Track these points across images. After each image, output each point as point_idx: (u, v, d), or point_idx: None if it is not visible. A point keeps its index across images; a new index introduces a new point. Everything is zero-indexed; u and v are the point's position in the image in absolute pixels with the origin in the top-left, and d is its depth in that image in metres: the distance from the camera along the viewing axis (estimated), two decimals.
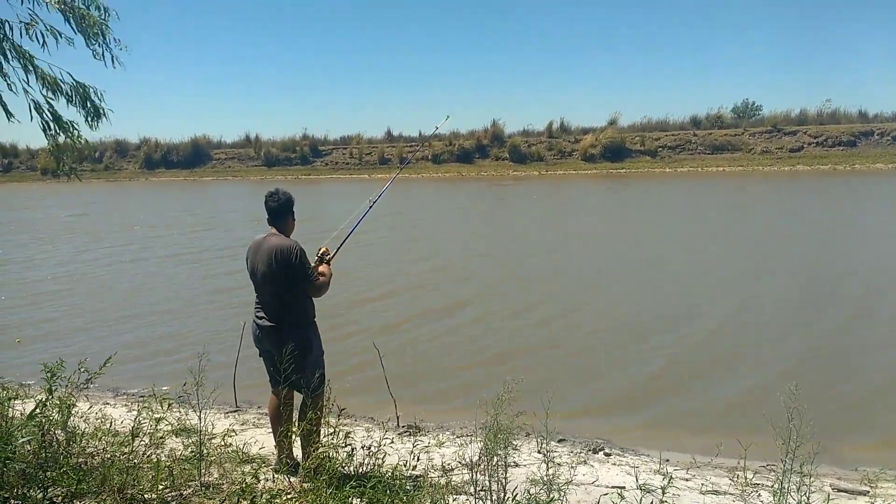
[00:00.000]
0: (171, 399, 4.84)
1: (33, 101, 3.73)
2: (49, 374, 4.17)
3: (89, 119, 3.87)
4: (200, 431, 4.00)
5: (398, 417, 5.50)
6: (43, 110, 3.68)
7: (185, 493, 3.74)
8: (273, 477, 3.97)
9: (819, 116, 40.93)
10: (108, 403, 6.33)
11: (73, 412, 4.74)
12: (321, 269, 4.35)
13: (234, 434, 4.92)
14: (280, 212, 4.32)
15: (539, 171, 41.66)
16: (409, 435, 5.20)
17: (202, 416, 4.25)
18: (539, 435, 5.19)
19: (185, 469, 3.90)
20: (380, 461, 4.02)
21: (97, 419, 5.24)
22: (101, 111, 3.82)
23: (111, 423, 4.94)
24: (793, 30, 73.63)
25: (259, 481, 3.81)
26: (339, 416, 4.17)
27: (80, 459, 4.09)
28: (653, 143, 41.93)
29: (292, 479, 3.82)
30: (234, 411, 6.07)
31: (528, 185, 34.93)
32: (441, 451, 4.76)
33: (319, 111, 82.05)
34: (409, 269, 13.30)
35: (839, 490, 4.50)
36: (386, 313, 9.83)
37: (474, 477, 3.78)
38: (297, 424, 4.20)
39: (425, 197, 30.98)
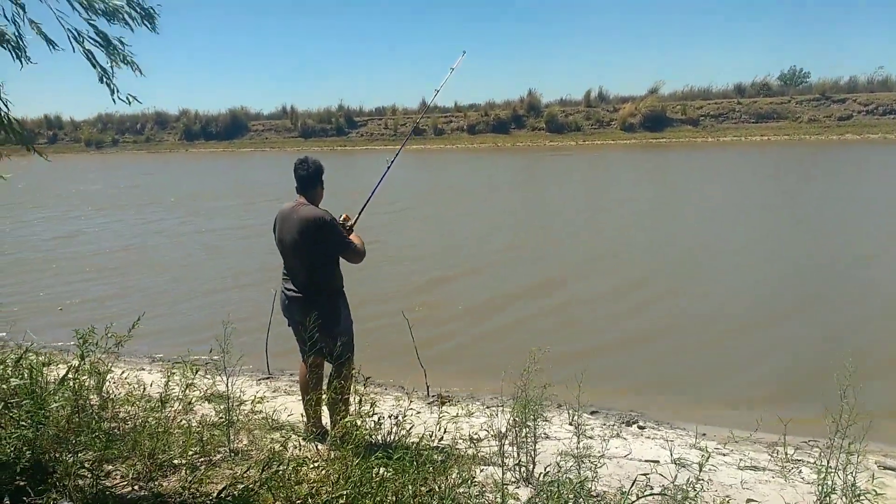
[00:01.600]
0: (200, 365, 4.89)
1: (71, 30, 3.40)
2: (81, 340, 4.23)
3: (140, 22, 3.46)
4: (229, 398, 4.00)
5: (427, 387, 5.45)
6: (84, 37, 3.39)
7: (214, 458, 3.76)
8: (301, 445, 3.96)
9: (869, 84, 39.17)
10: (143, 369, 6.42)
11: (107, 378, 4.83)
12: (352, 237, 4.29)
13: (264, 401, 4.95)
14: (310, 180, 4.25)
15: (576, 140, 40.95)
16: (439, 405, 5.16)
17: (232, 383, 4.28)
18: (571, 407, 5.10)
19: (214, 435, 3.91)
20: (407, 431, 3.98)
21: (131, 385, 5.32)
22: (152, 12, 3.48)
23: (144, 388, 5.00)
24: None
25: (287, 449, 3.80)
26: (365, 385, 4.12)
27: (113, 424, 4.15)
28: (695, 112, 40.78)
29: (319, 447, 3.80)
30: (267, 378, 6.10)
31: (582, 155, 34.38)
32: (470, 422, 4.70)
33: (355, 82, 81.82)
34: (481, 245, 12.72)
35: (885, 468, 4.32)
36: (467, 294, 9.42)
37: (502, 448, 3.71)
38: (325, 393, 4.19)
39: (473, 167, 30.70)
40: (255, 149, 49.38)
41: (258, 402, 4.79)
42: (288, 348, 6.28)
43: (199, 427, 3.97)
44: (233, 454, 3.82)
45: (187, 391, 4.38)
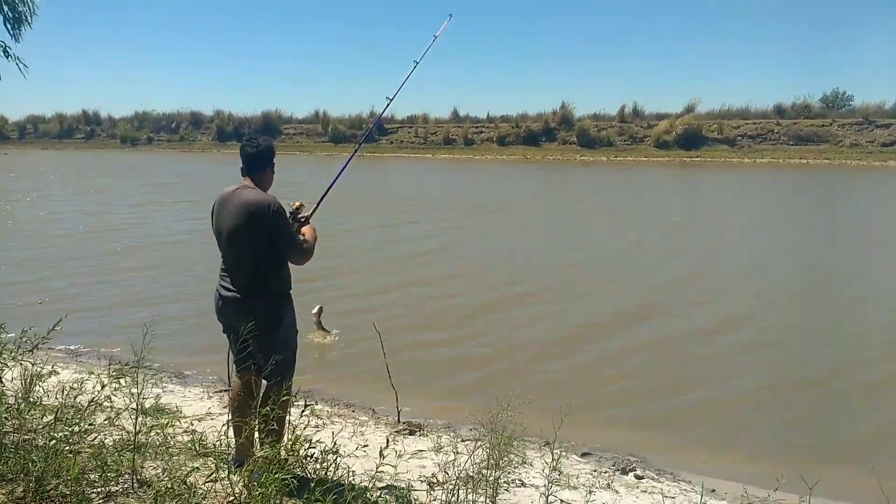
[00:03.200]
0: (141, 371, 4.31)
1: None
2: None
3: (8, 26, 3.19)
4: (137, 414, 3.39)
5: (398, 412, 4.80)
6: None
7: (112, 489, 3.16)
8: (221, 477, 3.31)
9: None
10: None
11: (43, 380, 4.31)
12: (304, 230, 3.66)
13: (205, 419, 4.35)
14: (258, 160, 3.58)
15: (608, 156, 40.04)
16: (409, 434, 4.50)
17: (181, 393, 3.70)
18: (560, 446, 4.41)
19: (126, 459, 3.30)
20: (347, 468, 3.35)
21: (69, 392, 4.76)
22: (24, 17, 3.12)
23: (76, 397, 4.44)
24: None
25: (201, 481, 3.18)
26: (308, 406, 3.49)
27: (22, 437, 3.57)
28: (731, 132, 39.59)
29: (233, 479, 3.16)
30: (224, 391, 5.51)
31: (626, 171, 33.54)
32: (437, 458, 4.03)
33: (387, 90, 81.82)
34: (559, 261, 11.99)
35: None
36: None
37: (456, 497, 3.05)
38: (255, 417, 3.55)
39: (511, 181, 30.07)
40: (286, 152, 49.36)
41: (195, 420, 4.19)
42: None
43: (106, 448, 3.37)
44: (138, 484, 3.22)
45: (110, 401, 3.79)
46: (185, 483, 3.11)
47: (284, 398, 3.54)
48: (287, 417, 3.62)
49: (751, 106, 41.63)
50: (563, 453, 4.34)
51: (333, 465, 3.17)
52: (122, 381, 3.68)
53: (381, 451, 3.03)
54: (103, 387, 3.67)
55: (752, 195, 22.90)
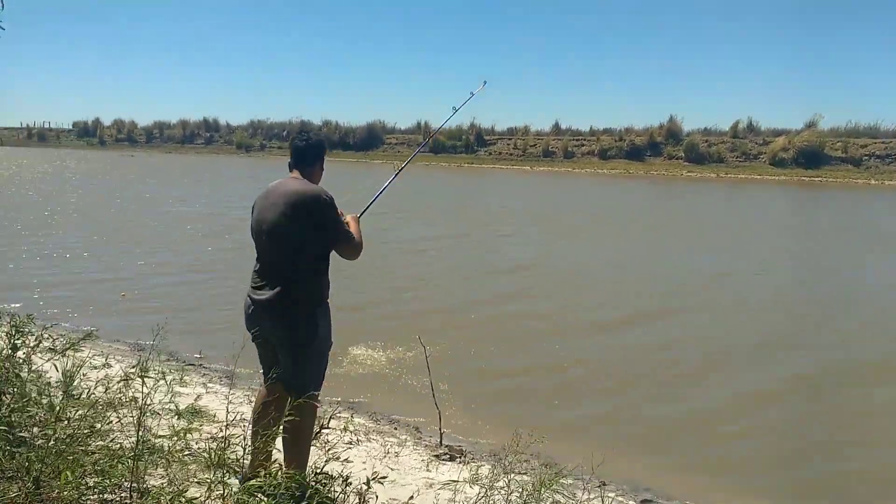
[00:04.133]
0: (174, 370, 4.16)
1: None
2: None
3: None
4: (141, 414, 3.17)
5: (441, 435, 4.40)
6: None
7: (108, 498, 2.95)
8: (232, 492, 3.03)
9: None
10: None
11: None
12: (350, 224, 3.35)
13: (233, 425, 4.11)
14: (308, 154, 3.35)
15: (717, 172, 37.98)
16: (449, 459, 4.10)
17: (227, 396, 3.48)
18: (617, 489, 3.90)
19: (124, 466, 3.09)
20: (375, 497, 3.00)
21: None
22: None
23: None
24: None
25: (202, 494, 2.92)
26: (325, 425, 3.17)
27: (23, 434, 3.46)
28: (857, 151, 36.58)
29: (231, 491, 2.87)
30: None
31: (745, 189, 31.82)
32: (472, 491, 3.60)
33: (487, 101, 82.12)
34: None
35: None
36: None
37: None
38: (283, 430, 3.28)
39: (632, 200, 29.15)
40: (387, 161, 50.25)
41: (229, 425, 3.97)
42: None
43: (110, 453, 3.18)
44: (135, 494, 3.00)
45: (145, 398, 3.63)
46: (182, 496, 2.87)
47: (309, 416, 3.26)
48: (311, 437, 3.33)
49: (880, 124, 38.39)
50: (621, 498, 3.80)
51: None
52: (144, 378, 3.49)
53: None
54: (122, 381, 3.54)
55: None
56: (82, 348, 5.85)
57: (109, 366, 5.33)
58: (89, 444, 3.26)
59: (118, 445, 3.39)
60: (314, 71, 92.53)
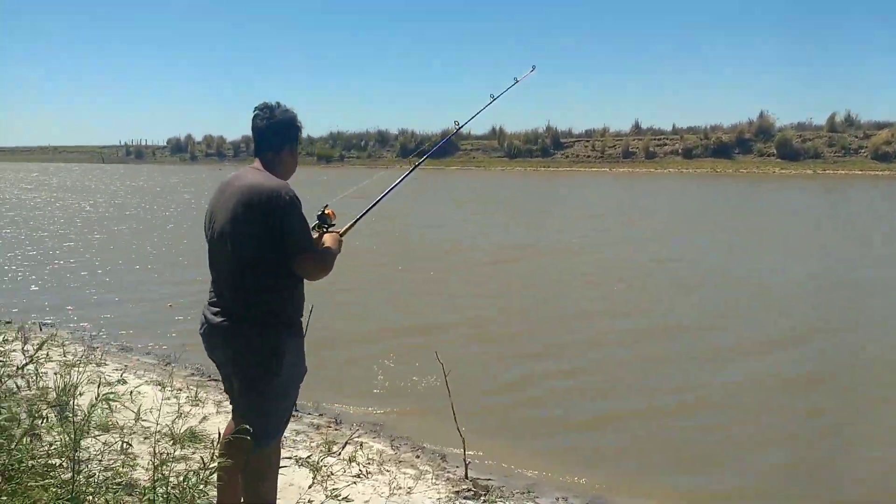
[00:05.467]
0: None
1: None
2: None
3: None
4: (74, 441, 2.74)
5: (466, 466, 3.79)
6: None
7: None
8: None
9: None
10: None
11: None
12: (326, 237, 2.67)
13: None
14: (272, 136, 2.64)
15: (814, 169, 35.43)
16: (472, 496, 3.49)
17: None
18: None
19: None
20: None
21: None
22: None
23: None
24: None
25: None
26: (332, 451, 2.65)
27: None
28: None
29: None
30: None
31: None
32: None
33: (563, 104, 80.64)
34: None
35: None
36: None
37: None
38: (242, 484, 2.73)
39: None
40: (461, 167, 49.97)
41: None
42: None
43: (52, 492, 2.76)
44: None
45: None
46: None
47: (271, 464, 2.72)
48: (275, 480, 2.79)
49: None
50: None
51: None
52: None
53: None
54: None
55: None
56: (106, 362, 5.72)
57: (124, 381, 5.09)
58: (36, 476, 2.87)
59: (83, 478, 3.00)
60: (390, 80, 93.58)
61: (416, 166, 3.54)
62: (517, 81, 4.07)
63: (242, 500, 2.70)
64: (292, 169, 2.76)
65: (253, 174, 2.58)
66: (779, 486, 4.09)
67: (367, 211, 3.03)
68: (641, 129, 46.06)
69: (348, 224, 2.90)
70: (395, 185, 3.25)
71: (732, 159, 39.28)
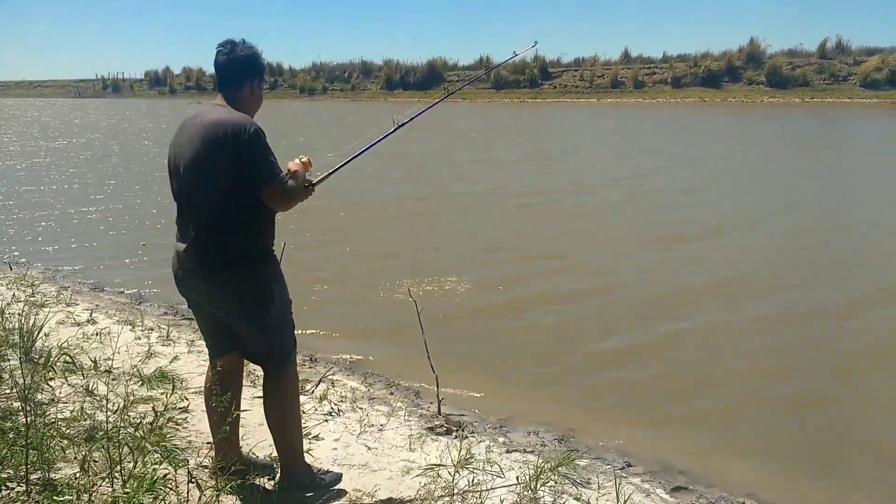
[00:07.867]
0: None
1: None
2: None
3: None
4: (24, 390, 2.68)
5: (440, 402, 3.78)
6: None
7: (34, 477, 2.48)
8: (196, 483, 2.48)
9: None
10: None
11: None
12: (290, 165, 2.59)
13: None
14: (234, 72, 2.61)
15: (801, 97, 35.07)
16: (444, 433, 3.49)
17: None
18: (646, 473, 3.24)
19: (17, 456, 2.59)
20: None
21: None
22: None
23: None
24: None
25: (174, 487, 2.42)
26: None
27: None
28: None
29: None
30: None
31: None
32: (459, 476, 2.99)
33: (551, 34, 78.65)
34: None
35: None
36: None
37: None
38: (265, 410, 2.74)
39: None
40: (449, 99, 48.96)
41: (196, 393, 3.49)
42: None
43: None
44: (41, 487, 2.52)
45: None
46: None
47: (291, 386, 2.75)
48: (298, 407, 2.86)
49: None
50: (647, 485, 3.12)
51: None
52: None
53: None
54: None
55: None
56: (76, 302, 5.63)
57: (94, 321, 5.00)
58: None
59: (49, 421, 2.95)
60: (374, 8, 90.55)
61: (420, 113, 3.26)
62: (516, 55, 4.39)
63: (271, 426, 2.75)
64: (255, 106, 2.72)
65: (215, 110, 2.56)
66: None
67: (349, 160, 2.87)
68: (631, 57, 45.21)
69: (324, 175, 2.76)
70: (384, 136, 3.05)
71: (721, 88, 38.77)
